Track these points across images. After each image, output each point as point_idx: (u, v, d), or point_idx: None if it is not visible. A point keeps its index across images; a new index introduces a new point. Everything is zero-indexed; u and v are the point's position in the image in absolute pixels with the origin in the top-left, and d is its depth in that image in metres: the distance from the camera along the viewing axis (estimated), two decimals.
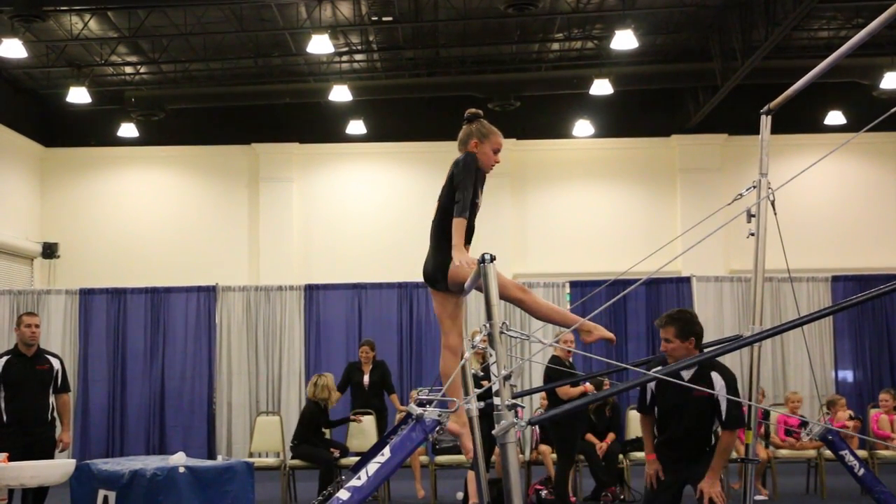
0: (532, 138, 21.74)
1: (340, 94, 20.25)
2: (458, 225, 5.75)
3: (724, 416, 7.14)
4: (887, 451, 13.00)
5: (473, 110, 6.25)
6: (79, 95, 20.66)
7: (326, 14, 19.09)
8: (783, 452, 13.13)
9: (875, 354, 16.58)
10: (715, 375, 7.25)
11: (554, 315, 5.93)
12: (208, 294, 16.30)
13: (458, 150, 6.17)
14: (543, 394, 12.40)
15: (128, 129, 22.32)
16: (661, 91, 21.55)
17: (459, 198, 5.85)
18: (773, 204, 7.07)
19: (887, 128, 8.52)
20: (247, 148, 22.00)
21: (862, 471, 7.39)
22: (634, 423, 13.60)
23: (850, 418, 13.08)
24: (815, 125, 20.37)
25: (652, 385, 7.44)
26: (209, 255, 21.03)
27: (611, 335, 5.72)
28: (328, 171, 21.96)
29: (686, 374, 7.17)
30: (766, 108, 7.44)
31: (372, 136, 21.89)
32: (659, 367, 7.22)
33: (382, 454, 4.66)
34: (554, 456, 12.04)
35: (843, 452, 7.45)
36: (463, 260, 5.63)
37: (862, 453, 12.03)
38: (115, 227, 22.14)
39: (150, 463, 8.42)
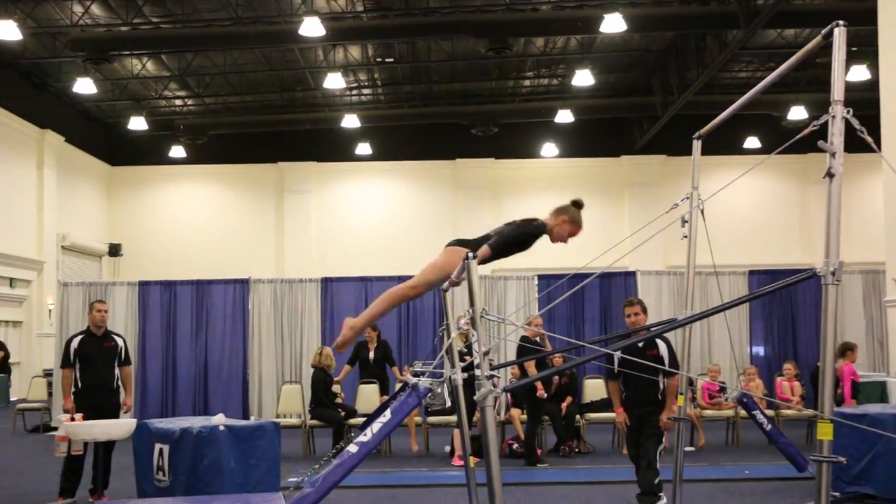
0: (508, 157, 21.82)
1: (351, 121, 20.29)
2: (484, 251, 5.67)
3: (667, 365, 7.84)
4: (789, 411, 13.06)
5: (580, 201, 6.12)
6: (138, 124, 20.70)
7: (340, 56, 19.13)
8: (707, 412, 13.17)
9: (781, 334, 16.67)
10: (659, 342, 8.12)
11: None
12: (242, 285, 16.29)
13: (549, 213, 6.13)
14: (515, 366, 12.42)
15: (177, 151, 22.35)
16: (613, 119, 21.62)
17: (500, 236, 5.79)
18: (702, 212, 7.12)
19: (792, 151, 8.57)
20: (274, 166, 22.03)
21: (769, 426, 7.43)
22: (589, 389, 13.65)
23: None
24: (736, 148, 20.46)
25: (617, 356, 7.98)
26: (243, 254, 21.05)
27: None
28: (340, 185, 21.98)
29: (640, 343, 7.91)
30: (697, 134, 7.48)
31: (376, 156, 21.94)
32: (621, 342, 7.86)
33: (384, 415, 4.67)
34: (524, 417, 12.07)
35: (754, 412, 7.50)
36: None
37: (769, 412, 12.06)
38: (167, 231, 22.12)
39: (196, 422, 8.43)
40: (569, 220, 6.02)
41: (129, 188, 23.60)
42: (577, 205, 6.07)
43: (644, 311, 8.35)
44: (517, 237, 5.88)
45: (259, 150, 22.21)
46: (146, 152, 23.22)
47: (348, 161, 22.13)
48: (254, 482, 8.10)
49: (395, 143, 21.99)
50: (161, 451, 8.12)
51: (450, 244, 5.80)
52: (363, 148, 21.69)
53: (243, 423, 8.79)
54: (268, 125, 22.04)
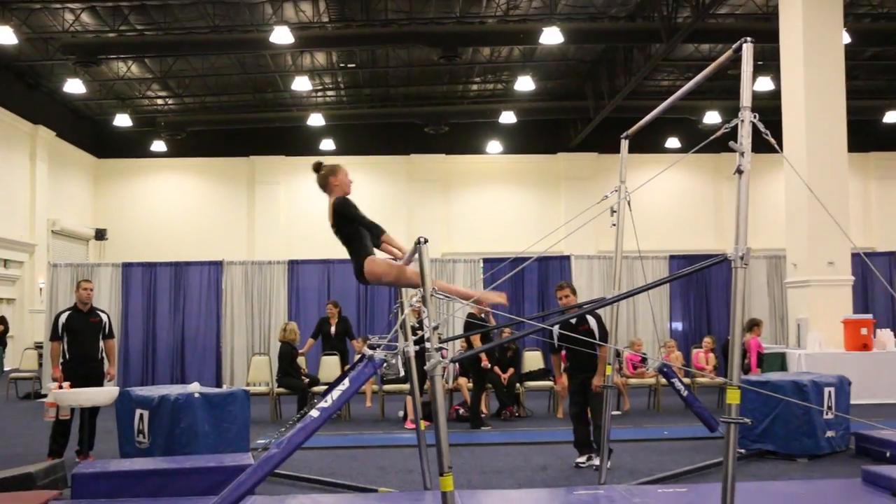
0: (457, 154, 21.77)
1: (316, 120, 20.13)
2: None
3: (597, 338, 7.99)
4: (703, 379, 13.22)
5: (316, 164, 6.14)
6: (123, 120, 20.36)
7: (307, 61, 18.97)
8: (632, 381, 13.29)
9: (697, 311, 16.86)
10: (589, 318, 8.29)
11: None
12: (217, 267, 16.15)
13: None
14: (463, 340, 12.43)
15: (158, 145, 22.01)
16: (551, 121, 21.66)
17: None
18: (629, 203, 7.18)
19: (707, 151, 8.66)
20: (246, 160, 21.80)
21: (686, 392, 7.52)
22: (528, 361, 13.70)
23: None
24: (659, 147, 20.61)
25: (556, 333, 8.37)
26: (218, 238, 20.82)
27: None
28: (307, 177, 21.73)
29: (573, 319, 8.20)
30: (624, 134, 7.52)
31: (339, 151, 21.79)
32: (556, 319, 8.33)
33: (343, 383, 4.65)
34: (470, 385, 12.09)
35: (673, 380, 7.58)
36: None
37: (686, 380, 12.21)
38: (148, 217, 21.79)
39: (174, 390, 8.33)
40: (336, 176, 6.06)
41: (114, 178, 23.22)
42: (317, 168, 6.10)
43: (573, 292, 8.47)
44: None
45: (233, 145, 21.96)
46: (130, 146, 22.87)
47: (314, 155, 21.93)
48: (226, 444, 8.03)
49: (356, 140, 21.86)
50: (141, 416, 8.01)
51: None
52: (327, 144, 21.54)
53: (216, 390, 8.70)
54: (241, 123, 21.81)
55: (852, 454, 8.84)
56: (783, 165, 15.17)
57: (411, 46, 17.97)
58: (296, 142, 21.75)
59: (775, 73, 15.81)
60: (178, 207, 22.07)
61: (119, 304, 15.87)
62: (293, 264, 16.54)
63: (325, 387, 11.00)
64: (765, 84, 17.76)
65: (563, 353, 8.88)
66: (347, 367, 11.91)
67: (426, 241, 4.75)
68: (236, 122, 21.76)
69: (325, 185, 6.05)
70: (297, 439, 4.45)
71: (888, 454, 8.21)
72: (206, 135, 22.07)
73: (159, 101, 21.89)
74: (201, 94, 21.02)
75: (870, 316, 14.06)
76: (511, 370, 12.64)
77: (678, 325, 16.90)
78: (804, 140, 13.76)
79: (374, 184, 21.67)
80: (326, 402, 4.58)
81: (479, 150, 22.00)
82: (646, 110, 6.77)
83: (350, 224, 5.87)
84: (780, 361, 13.71)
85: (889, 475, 6.65)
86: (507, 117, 20.14)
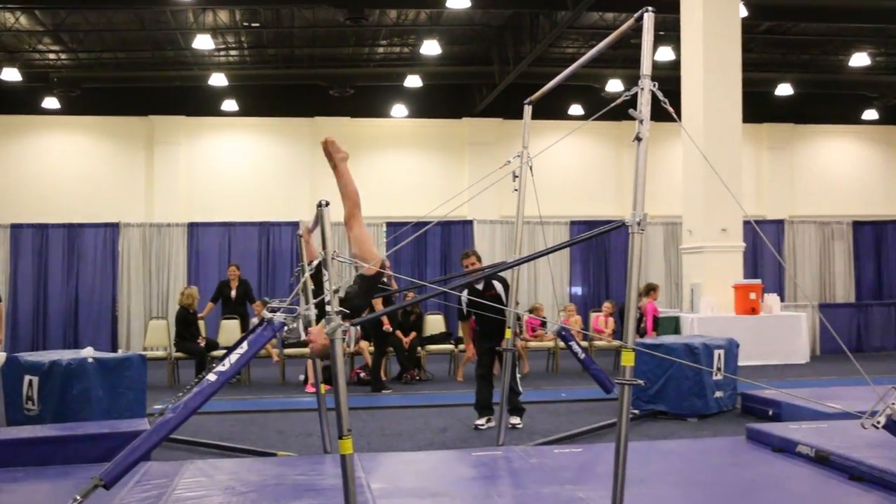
0: (363, 117, 21.56)
1: (218, 79, 19.67)
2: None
3: (504, 303, 8.01)
4: (601, 342, 13.52)
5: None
6: (11, 75, 19.48)
7: (209, 19, 18.46)
8: (532, 344, 13.50)
9: (596, 276, 17.24)
10: (495, 283, 8.40)
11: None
12: (113, 229, 15.77)
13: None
14: None
15: (51, 102, 21.15)
16: (456, 85, 21.64)
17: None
18: (531, 168, 7.24)
19: (609, 118, 8.78)
20: (145, 119, 21.13)
21: (583, 355, 7.68)
22: (429, 324, 13.77)
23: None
24: (562, 114, 20.79)
25: (465, 300, 8.44)
26: (114, 200, 20.21)
27: None
28: (208, 138, 21.29)
29: (480, 286, 8.31)
30: (528, 100, 7.56)
31: (242, 112, 21.32)
32: (461, 284, 8.41)
33: (242, 347, 4.59)
34: (371, 348, 12.09)
35: (571, 343, 7.74)
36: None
37: (584, 343, 12.47)
38: (40, 178, 20.98)
39: (66, 355, 8.09)
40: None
41: (2, 136, 22.23)
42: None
43: (479, 259, 8.55)
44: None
45: (131, 103, 21.24)
46: (19, 103, 21.85)
47: (215, 116, 21.43)
48: (121, 409, 7.85)
49: (259, 101, 21.43)
50: (31, 382, 7.75)
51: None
52: (229, 104, 21.06)
53: (111, 355, 8.50)
54: (139, 81, 21.10)
55: (739, 413, 9.21)
56: (682, 135, 15.53)
57: (317, 7, 17.64)
58: (197, 102, 21.19)
59: (676, 44, 16.11)
60: (72, 167, 21.28)
61: (7, 266, 15.34)
62: (193, 227, 16.23)
63: (225, 351, 10.84)
64: (666, 54, 18.08)
65: (472, 319, 8.89)
66: (247, 331, 11.78)
67: (328, 203, 4.70)
68: (134, 79, 21.05)
69: None
70: (193, 403, 4.38)
71: (771, 413, 8.58)
72: (102, 92, 21.29)
73: (52, 56, 20.97)
74: (97, 50, 20.23)
75: (758, 281, 14.61)
76: (413, 334, 12.69)
77: (578, 290, 17.24)
78: (701, 110, 14.10)
79: (277, 146, 21.32)
80: (224, 366, 4.51)
81: (385, 113, 21.84)
82: (550, 77, 6.80)
83: None
84: (674, 325, 14.14)
85: (770, 432, 6.95)
86: (413, 81, 20.03)
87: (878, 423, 3.97)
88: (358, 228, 5.40)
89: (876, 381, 4.98)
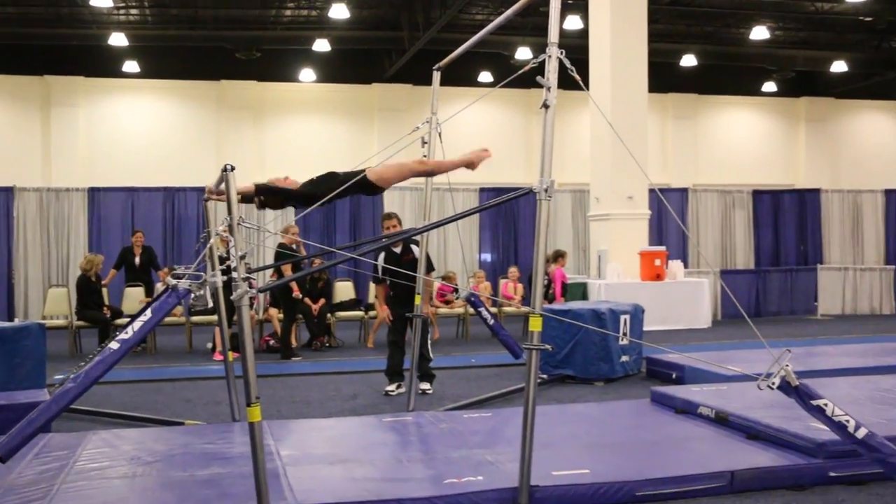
0: (270, 81, 21.16)
1: (118, 39, 19.00)
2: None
3: (425, 268, 7.83)
4: (510, 308, 13.68)
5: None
6: None
7: None
8: (442, 310, 13.56)
9: (505, 242, 17.41)
10: (413, 247, 8.38)
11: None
12: (7, 193, 15.18)
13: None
14: (273, 270, 12.25)
15: None
16: (365, 50, 21.41)
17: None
18: (440, 135, 7.24)
19: (519, 86, 8.84)
20: (40, 79, 20.30)
21: (492, 321, 7.76)
22: (339, 291, 13.70)
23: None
24: (472, 81, 20.82)
25: (381, 263, 8.38)
26: (8, 164, 19.43)
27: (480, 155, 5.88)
28: (109, 100, 20.60)
29: (397, 249, 8.35)
30: (437, 66, 7.54)
31: (144, 74, 20.67)
32: (380, 248, 8.43)
33: (145, 314, 4.49)
34: (280, 316, 11.98)
35: (480, 309, 7.80)
36: None
37: (493, 310, 12.60)
38: None
39: None
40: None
41: None
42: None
43: (400, 222, 8.51)
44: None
45: (24, 62, 20.34)
46: None
47: (116, 77, 20.73)
48: (18, 380, 7.59)
49: (162, 63, 20.81)
50: None
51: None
52: (131, 66, 20.38)
53: (6, 324, 8.21)
54: (33, 38, 20.24)
55: (644, 377, 9.47)
56: (589, 103, 15.73)
57: None
58: (96, 62, 20.44)
59: (585, 13, 16.25)
60: None
61: None
62: (94, 192, 15.76)
63: (128, 318, 10.60)
64: (574, 23, 18.24)
65: (387, 284, 8.78)
66: (151, 298, 11.53)
67: (233, 168, 4.61)
68: (28, 36, 20.15)
69: None
70: (94, 373, 4.27)
71: (674, 376, 8.85)
72: None
73: None
74: None
75: (663, 248, 14.98)
76: (322, 301, 12.62)
77: (487, 257, 17.39)
78: (609, 79, 14.31)
79: (181, 110, 20.78)
80: (127, 334, 4.41)
81: (293, 77, 21.48)
82: (460, 43, 6.79)
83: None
84: (582, 291, 14.41)
85: (674, 395, 7.17)
86: (322, 45, 19.73)
87: (773, 384, 4.13)
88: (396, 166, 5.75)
89: (772, 344, 5.18)
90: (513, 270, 14.47)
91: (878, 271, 17.62)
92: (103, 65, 20.51)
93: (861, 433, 4.01)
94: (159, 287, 11.90)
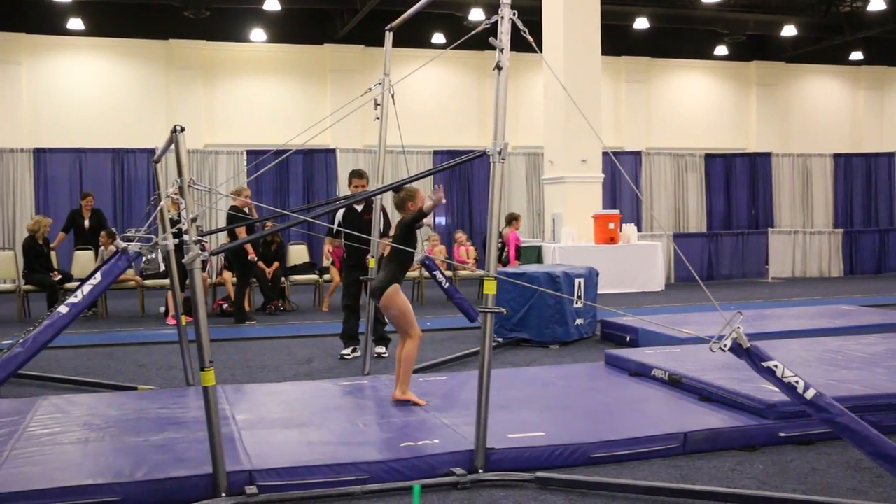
0: (220, 41, 20.78)
1: None
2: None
3: (382, 227, 7.86)
4: (464, 272, 13.73)
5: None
6: None
7: None
8: None
9: (460, 206, 17.42)
10: (375, 208, 7.96)
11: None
12: None
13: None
14: (227, 233, 12.13)
15: None
16: (317, 10, 21.09)
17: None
18: (392, 96, 7.19)
19: (473, 48, 8.79)
20: None
21: (447, 284, 7.79)
22: (293, 255, 13.64)
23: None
24: (425, 43, 20.64)
25: (339, 218, 8.26)
26: None
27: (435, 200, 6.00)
28: (54, 58, 20.05)
29: (359, 207, 8.21)
30: (389, 26, 7.47)
31: (89, 32, 20.14)
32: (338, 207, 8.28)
33: (95, 278, 4.42)
34: (234, 279, 11.89)
35: (435, 272, 7.82)
36: None
37: (448, 273, 12.62)
38: None
39: None
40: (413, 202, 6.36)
41: None
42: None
43: (368, 182, 8.45)
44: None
45: None
46: None
47: (60, 35, 20.18)
48: None
49: (108, 21, 20.29)
50: None
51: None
52: (75, 23, 19.85)
53: None
54: None
55: (598, 340, 9.59)
56: (543, 66, 15.71)
57: None
58: (39, 19, 19.88)
59: None
60: None
61: None
62: (40, 152, 15.44)
63: (78, 283, 10.45)
64: None
65: (342, 249, 8.67)
66: (100, 261, 11.37)
67: (182, 129, 4.54)
68: None
69: (401, 207, 6.34)
70: (43, 337, 4.21)
71: (628, 339, 8.97)
72: None
73: None
74: None
75: (617, 211, 15.10)
76: (276, 264, 12.54)
77: (441, 220, 17.38)
78: (562, 42, 14.29)
79: (129, 69, 20.32)
80: (76, 298, 4.35)
81: (243, 37, 21.10)
82: (412, 4, 6.72)
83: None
84: (536, 254, 14.49)
85: (627, 357, 7.27)
86: (272, 4, 19.38)
87: (725, 346, 4.20)
88: None
89: (724, 306, 5.26)
90: (460, 235, 14.45)
91: (826, 234, 17.94)
92: (46, 22, 19.96)
93: (810, 394, 4.10)
94: (102, 250, 11.75)
